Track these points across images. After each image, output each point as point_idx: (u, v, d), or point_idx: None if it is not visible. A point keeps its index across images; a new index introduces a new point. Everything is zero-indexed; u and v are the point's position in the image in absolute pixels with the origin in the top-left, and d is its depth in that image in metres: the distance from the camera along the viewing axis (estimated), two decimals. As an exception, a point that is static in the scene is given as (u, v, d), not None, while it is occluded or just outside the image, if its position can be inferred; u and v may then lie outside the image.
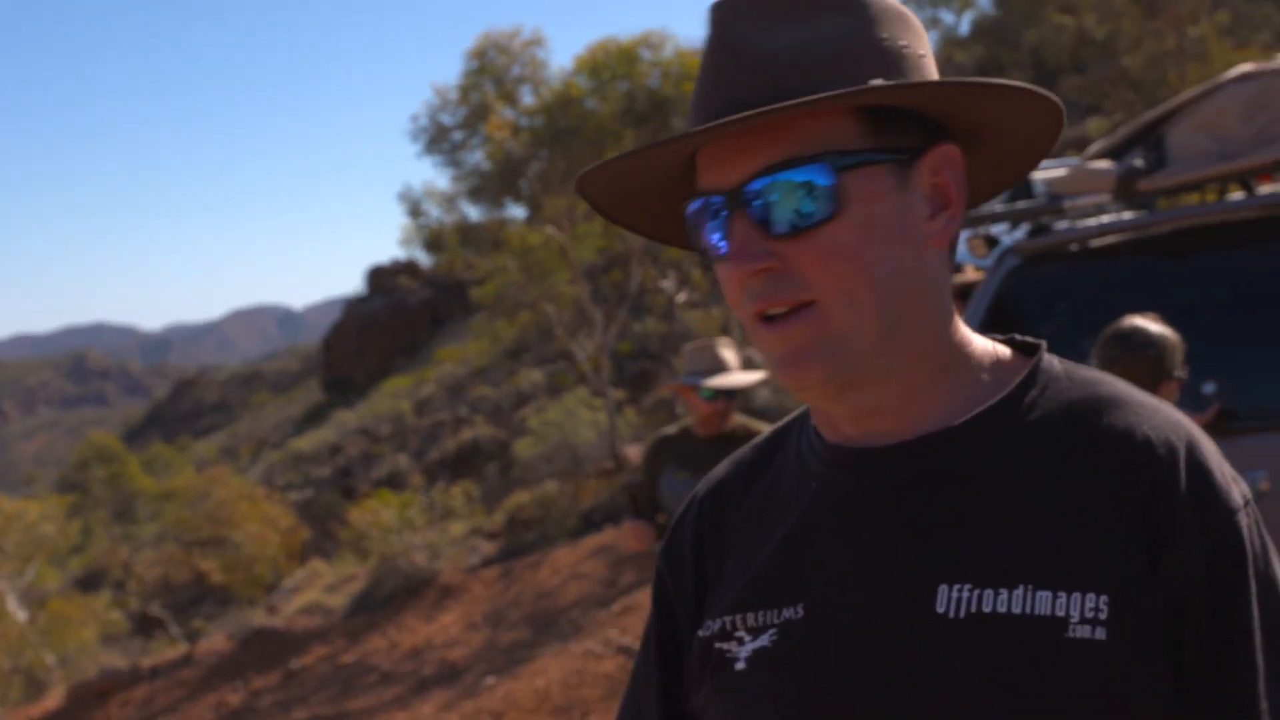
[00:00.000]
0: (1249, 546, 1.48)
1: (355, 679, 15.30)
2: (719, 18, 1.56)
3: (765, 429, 7.29)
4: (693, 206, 1.56)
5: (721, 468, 1.82)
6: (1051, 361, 1.63)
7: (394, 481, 39.09)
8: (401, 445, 48.40)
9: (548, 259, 22.31)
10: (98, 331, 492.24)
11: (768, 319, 1.52)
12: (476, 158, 21.82)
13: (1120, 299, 5.90)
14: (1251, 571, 1.48)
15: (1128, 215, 5.91)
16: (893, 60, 1.53)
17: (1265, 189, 5.92)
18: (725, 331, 25.74)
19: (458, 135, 21.82)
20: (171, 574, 32.31)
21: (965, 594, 1.47)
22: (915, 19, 1.60)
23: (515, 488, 28.83)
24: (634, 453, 23.17)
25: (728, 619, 1.62)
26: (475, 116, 21.55)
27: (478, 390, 47.99)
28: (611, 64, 20.86)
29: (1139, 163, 5.83)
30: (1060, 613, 1.43)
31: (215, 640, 19.51)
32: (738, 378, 6.67)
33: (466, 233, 22.62)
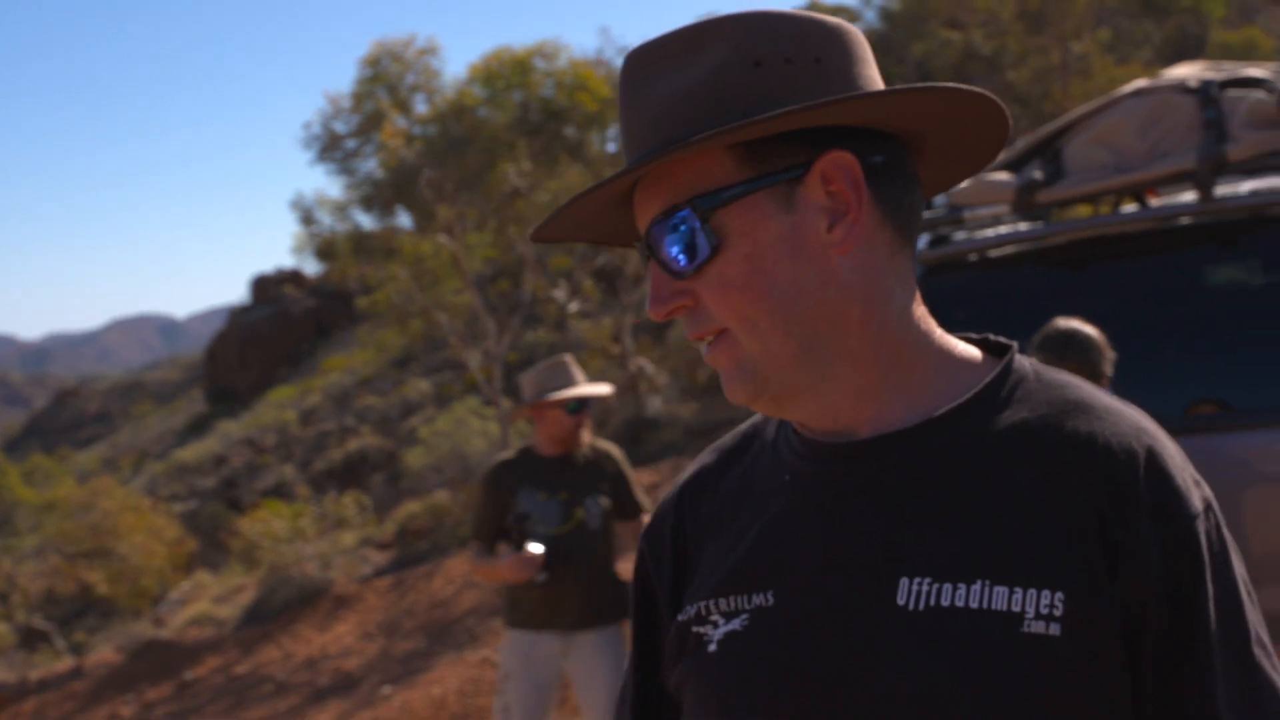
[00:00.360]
0: (1206, 554, 1.53)
1: (250, 689, 15.27)
2: (625, 68, 1.66)
3: (609, 445, 7.30)
4: (638, 243, 1.69)
5: (705, 454, 1.88)
6: (1022, 363, 1.68)
7: (280, 492, 38.76)
8: (287, 456, 48.00)
9: (439, 268, 22.28)
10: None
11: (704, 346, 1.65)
12: (370, 166, 21.74)
13: (1017, 308, 6.06)
14: (1209, 578, 1.52)
15: (1025, 226, 6.05)
16: (775, 80, 1.58)
17: (1155, 202, 6.10)
18: (617, 340, 25.84)
19: (351, 143, 21.73)
20: (56, 586, 31.80)
21: (925, 587, 1.53)
22: (829, 25, 1.63)
23: (405, 498, 28.74)
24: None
25: (704, 604, 1.69)
26: (369, 124, 21.49)
27: (364, 400, 47.71)
28: (505, 73, 20.90)
29: (1037, 175, 5.97)
30: (1016, 608, 1.49)
31: (104, 652, 19.29)
32: (595, 387, 6.93)
33: (359, 241, 22.53)
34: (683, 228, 1.58)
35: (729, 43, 1.58)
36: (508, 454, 7.11)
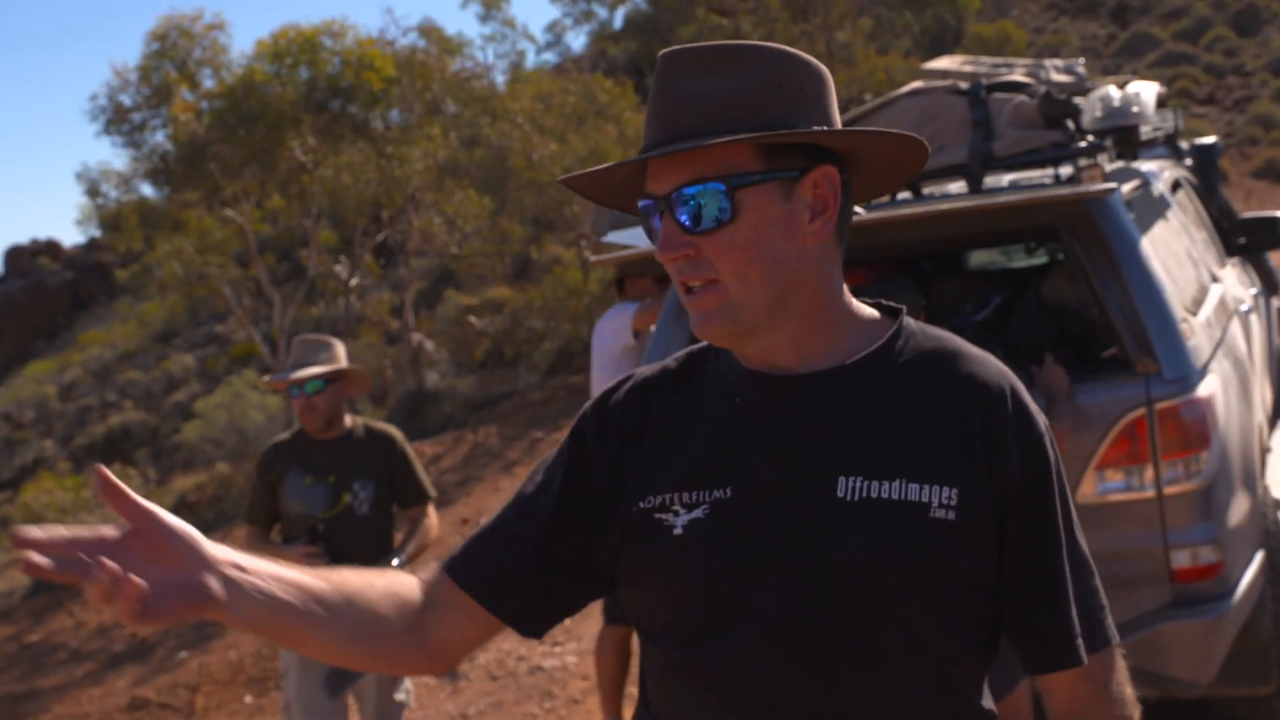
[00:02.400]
0: (1051, 456, 2.13)
1: (43, 657, 15.15)
2: (664, 64, 2.12)
3: (388, 428, 7.07)
4: (642, 204, 2.15)
5: (649, 369, 2.34)
6: (909, 321, 2.23)
7: (40, 467, 37.94)
8: (47, 431, 46.67)
9: (226, 241, 22.41)
10: None
11: (689, 289, 2.10)
12: (157, 139, 21.65)
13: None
14: (1054, 474, 2.13)
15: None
16: (792, 103, 2.09)
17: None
18: (396, 315, 26.10)
19: (138, 116, 21.62)
20: None
21: (858, 483, 2.05)
22: (820, 69, 2.15)
23: (176, 472, 28.51)
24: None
25: (666, 495, 2.14)
26: (157, 98, 21.41)
27: (126, 375, 46.67)
28: (293, 51, 20.99)
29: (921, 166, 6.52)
30: (925, 499, 2.04)
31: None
32: (316, 369, 6.50)
33: (146, 213, 22.44)
34: (712, 195, 2.04)
35: (759, 66, 2.08)
36: (284, 435, 6.91)
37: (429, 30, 25.30)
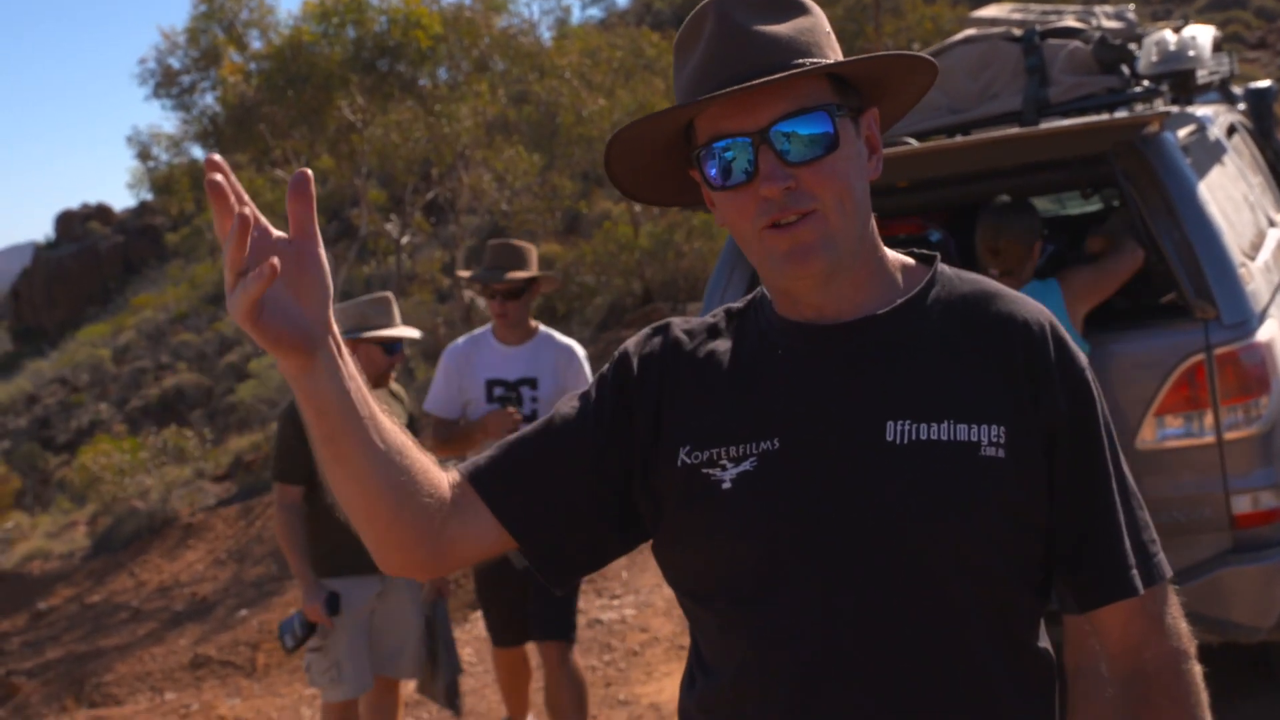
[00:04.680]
0: (1095, 392, 2.16)
1: (105, 617, 15.35)
2: (720, 9, 2.12)
3: (402, 392, 7.03)
4: (719, 146, 2.10)
5: (687, 323, 2.33)
6: (943, 267, 2.25)
7: (96, 430, 38.25)
8: (102, 394, 47.01)
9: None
10: None
11: (778, 226, 2.08)
12: (206, 101, 21.75)
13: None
14: (1099, 409, 2.15)
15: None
16: (832, 43, 2.16)
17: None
18: (448, 273, 26.13)
19: (186, 79, 21.72)
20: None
21: (907, 427, 2.06)
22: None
23: (231, 432, 28.70)
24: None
25: (712, 450, 2.14)
26: (205, 60, 21.50)
27: (179, 336, 46.98)
28: (340, 10, 21.02)
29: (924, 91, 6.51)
30: (974, 439, 2.05)
31: (-52, 586, 19.19)
32: (410, 330, 6.63)
33: (197, 176, 22.56)
34: (817, 124, 2.06)
35: (808, 12, 2.15)
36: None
37: (475, -13, 25.25)
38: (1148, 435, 5.45)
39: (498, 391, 6.49)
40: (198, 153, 23.12)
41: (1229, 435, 5.35)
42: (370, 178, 24.03)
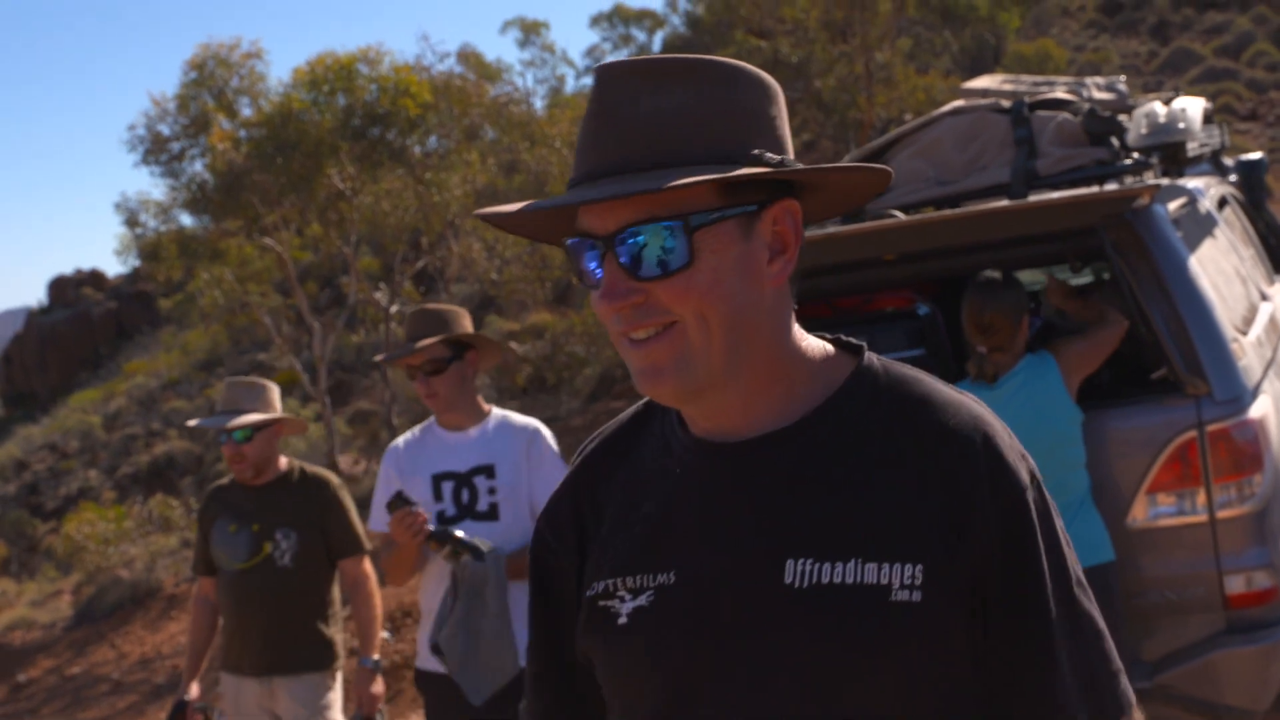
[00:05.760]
0: (1035, 517, 1.85)
1: (85, 689, 15.21)
2: (601, 81, 1.86)
3: (323, 472, 6.39)
4: (572, 241, 1.88)
5: (593, 445, 2.14)
6: (871, 361, 1.98)
7: (85, 497, 38.07)
8: (92, 460, 46.92)
9: (265, 270, 22.46)
10: None
11: (633, 339, 1.85)
12: (196, 168, 21.75)
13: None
14: (1039, 535, 1.85)
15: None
16: (749, 125, 1.86)
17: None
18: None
19: (176, 145, 21.72)
20: None
21: (808, 566, 1.82)
22: (773, 84, 1.92)
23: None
24: (345, 462, 23.41)
25: (611, 581, 1.96)
26: (195, 127, 21.50)
27: (170, 403, 46.90)
28: (330, 78, 21.03)
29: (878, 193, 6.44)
30: (884, 581, 1.78)
31: (-72, 657, 19.01)
32: (247, 418, 6.09)
33: (185, 243, 22.54)
34: (667, 238, 1.79)
35: (711, 82, 1.84)
36: (224, 479, 6.53)
37: (468, 56, 25.40)
38: (1139, 513, 5.36)
39: (447, 487, 5.45)
40: (186, 220, 23.12)
41: (1222, 514, 5.27)
42: (360, 246, 24.03)
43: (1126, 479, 5.36)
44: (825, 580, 1.81)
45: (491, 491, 5.41)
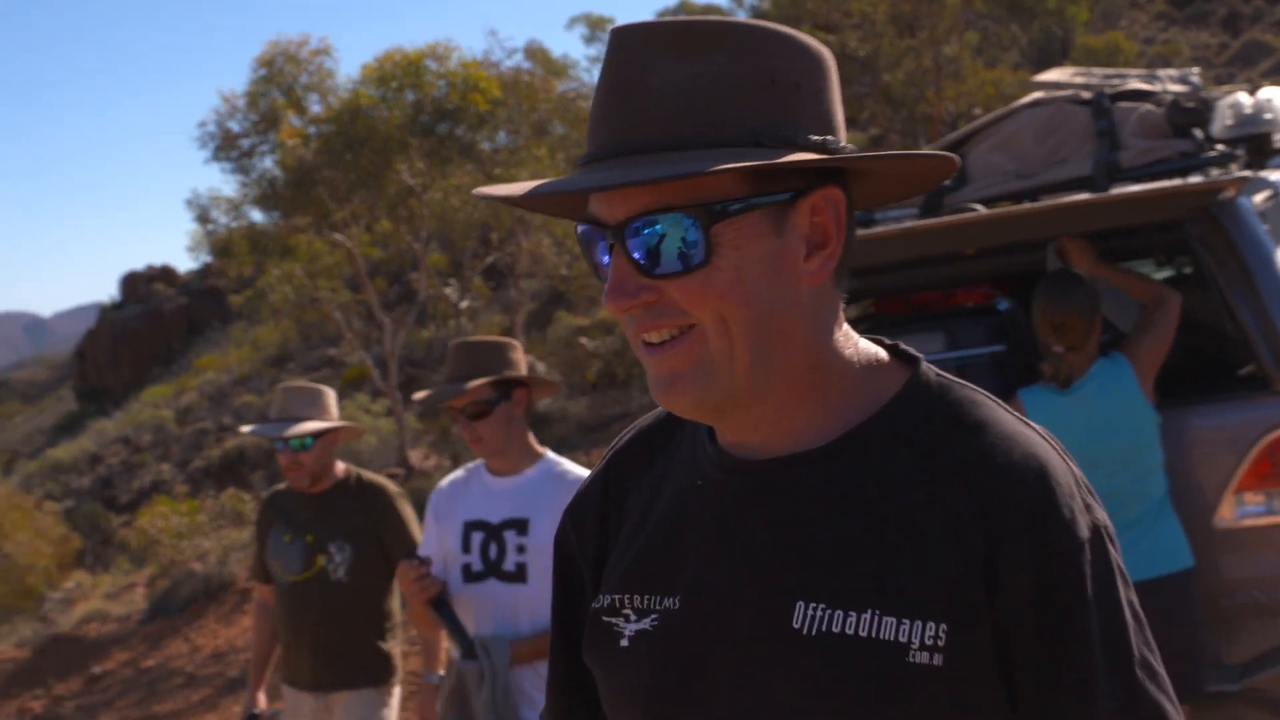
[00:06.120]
0: (1088, 582, 1.57)
1: (159, 683, 15.27)
2: (614, 47, 1.62)
3: (380, 480, 6.13)
4: (582, 229, 1.67)
5: (628, 435, 1.95)
6: (927, 378, 1.72)
7: (158, 491, 38.45)
8: (164, 454, 47.38)
9: (335, 266, 22.57)
10: None
11: (648, 342, 1.64)
12: (266, 164, 21.88)
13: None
14: (1092, 605, 1.57)
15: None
16: (789, 101, 1.61)
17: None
18: (508, 333, 26.10)
19: (246, 142, 21.86)
20: (-59, 586, 31.43)
21: (819, 613, 1.59)
22: (822, 53, 1.66)
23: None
24: (416, 456, 23.48)
25: (618, 596, 1.79)
26: (264, 124, 21.63)
27: (241, 398, 47.28)
28: (398, 74, 21.10)
29: (944, 180, 6.37)
30: (903, 639, 1.55)
31: (4, 649, 19.22)
32: (307, 426, 5.90)
33: (255, 239, 22.68)
34: (679, 232, 1.57)
35: (743, 51, 1.60)
36: (280, 485, 6.36)
37: (534, 52, 25.43)
38: (1226, 514, 5.27)
39: (476, 538, 4.92)
40: (257, 216, 23.27)
41: (1312, 513, 5.17)
42: (430, 242, 24.09)
43: (1211, 479, 5.26)
44: (836, 630, 1.59)
45: (520, 550, 4.84)
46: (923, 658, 1.55)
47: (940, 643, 1.54)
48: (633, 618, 1.76)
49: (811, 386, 1.68)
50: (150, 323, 69.45)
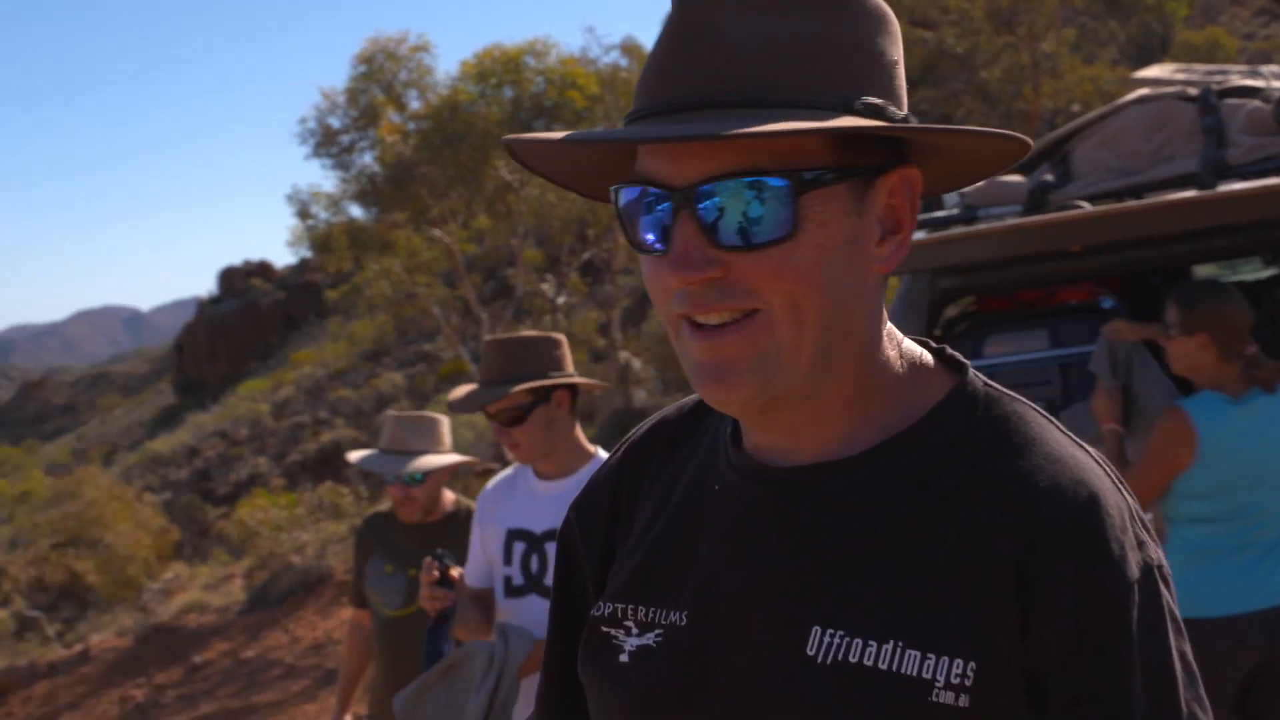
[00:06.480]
0: (1134, 625, 1.41)
1: (259, 673, 15.43)
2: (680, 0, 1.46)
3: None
4: (629, 194, 1.48)
5: (645, 427, 1.79)
6: (974, 387, 1.56)
7: (254, 483, 38.91)
8: (261, 448, 47.95)
9: (433, 261, 22.73)
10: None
11: (697, 325, 1.46)
12: (365, 160, 22.08)
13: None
14: (1136, 652, 1.41)
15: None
16: (869, 69, 1.46)
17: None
18: (603, 333, 26.20)
19: (346, 138, 22.07)
20: (46, 575, 31.91)
21: (836, 640, 1.44)
22: (894, 21, 1.52)
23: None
24: (510, 452, 23.53)
25: (620, 605, 1.63)
26: (364, 120, 21.83)
27: (337, 392, 47.72)
28: (497, 70, 21.23)
29: (1049, 177, 6.30)
30: (926, 675, 1.40)
31: (107, 637, 19.52)
32: (427, 461, 5.47)
33: (355, 234, 22.90)
34: (768, 197, 1.40)
35: (828, 10, 1.45)
36: (382, 507, 5.96)
37: (631, 48, 25.36)
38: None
39: (518, 548, 4.53)
40: (356, 211, 23.46)
41: None
42: (527, 237, 24.20)
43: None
44: (853, 659, 1.43)
45: None
46: (947, 697, 1.39)
47: (968, 682, 1.39)
48: (634, 631, 1.60)
49: (860, 389, 1.53)
50: (247, 317, 70.26)
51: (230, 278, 75.12)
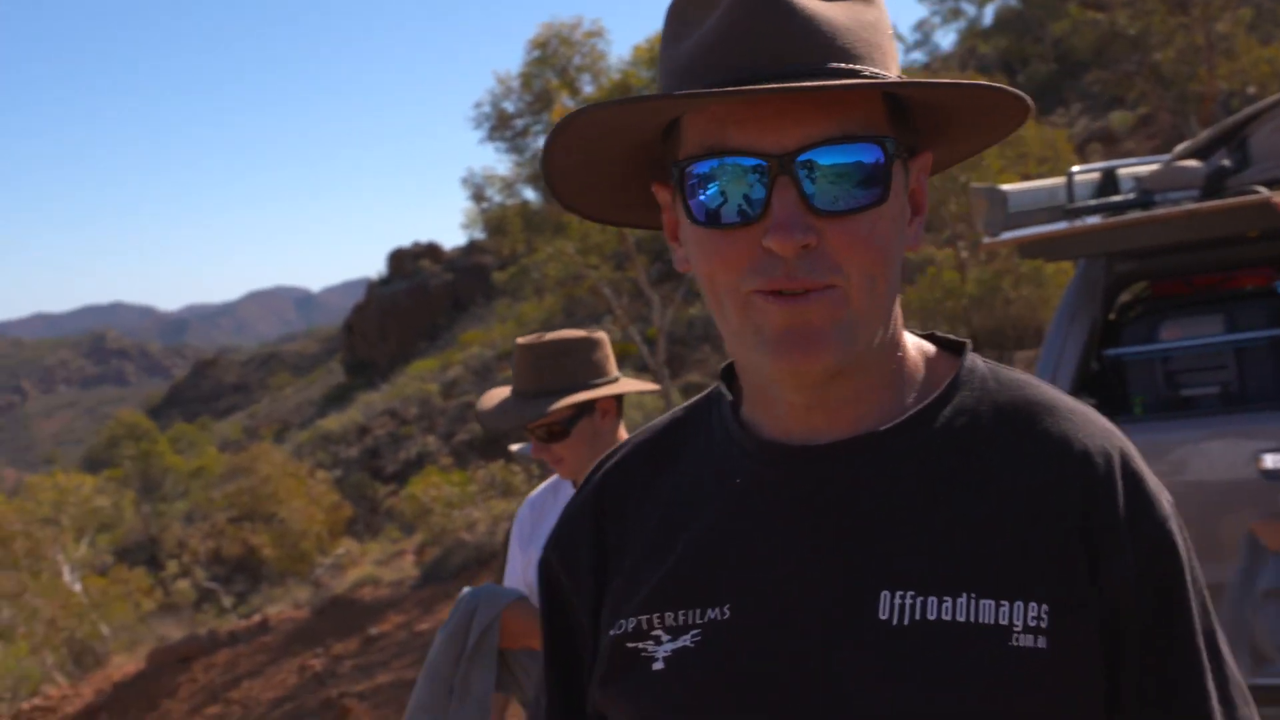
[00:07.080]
0: (1183, 552, 1.50)
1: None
2: None
3: None
4: (703, 166, 1.46)
5: (624, 451, 1.74)
6: (975, 361, 1.61)
7: (423, 462, 39.41)
8: (429, 427, 48.48)
9: (605, 243, 22.91)
10: (115, 311, 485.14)
11: (775, 294, 1.44)
12: (539, 144, 22.35)
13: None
14: (1187, 570, 1.50)
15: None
16: (894, 50, 1.52)
17: None
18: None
19: (520, 122, 22.35)
20: (224, 548, 32.70)
21: (909, 600, 1.45)
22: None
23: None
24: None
25: (643, 618, 1.57)
26: (538, 104, 22.08)
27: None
28: (669, 55, 21.37)
29: (1226, 162, 6.24)
30: (1004, 621, 1.42)
31: (285, 609, 19.98)
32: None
33: (529, 217, 23.17)
34: (868, 162, 1.43)
35: (874, 2, 1.50)
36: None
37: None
38: None
39: None
40: (530, 194, 23.72)
41: None
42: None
43: None
44: (932, 616, 1.44)
45: None
46: (1026, 640, 1.42)
47: (1043, 624, 1.43)
48: (665, 638, 1.54)
49: (894, 364, 1.56)
50: (416, 298, 71.00)
51: (399, 259, 75.94)
